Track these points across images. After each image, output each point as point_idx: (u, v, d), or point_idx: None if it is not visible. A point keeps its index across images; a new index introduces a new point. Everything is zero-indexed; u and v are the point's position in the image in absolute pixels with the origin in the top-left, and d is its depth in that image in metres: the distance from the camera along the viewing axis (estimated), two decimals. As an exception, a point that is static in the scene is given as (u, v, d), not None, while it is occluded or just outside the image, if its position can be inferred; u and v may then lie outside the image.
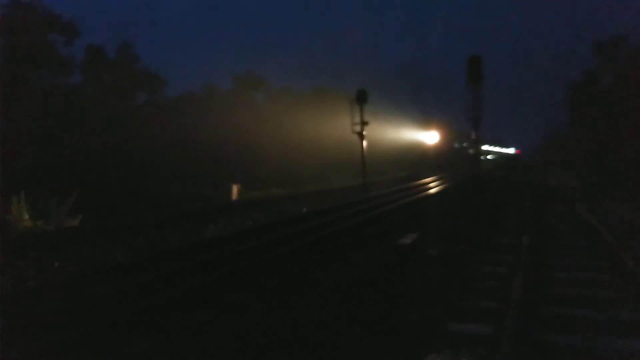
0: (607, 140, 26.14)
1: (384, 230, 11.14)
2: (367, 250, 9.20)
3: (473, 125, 19.64)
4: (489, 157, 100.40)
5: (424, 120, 49.00)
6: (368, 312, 5.50)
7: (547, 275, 6.71)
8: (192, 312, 5.55)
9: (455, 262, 7.83)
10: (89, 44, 27.28)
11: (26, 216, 14.22)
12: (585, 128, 31.13)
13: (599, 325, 4.81)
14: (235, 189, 21.58)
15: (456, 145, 69.20)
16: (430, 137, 46.36)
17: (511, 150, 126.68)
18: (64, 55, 24.45)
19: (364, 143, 22.89)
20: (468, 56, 19.53)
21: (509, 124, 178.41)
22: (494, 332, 4.58)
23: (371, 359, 4.37)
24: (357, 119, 22.58)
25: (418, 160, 48.65)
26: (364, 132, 22.60)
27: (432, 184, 27.96)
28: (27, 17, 23.22)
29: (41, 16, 23.69)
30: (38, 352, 4.38)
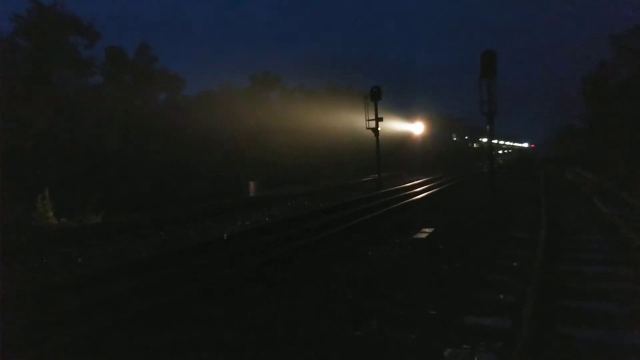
0: (624, 133, 25.92)
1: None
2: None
3: (487, 120, 19.67)
4: (504, 151, 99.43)
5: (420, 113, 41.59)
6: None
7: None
8: (209, 305, 5.83)
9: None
10: (109, 45, 27.97)
11: (50, 213, 14.78)
12: (601, 121, 30.85)
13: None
14: (252, 185, 21.99)
15: (455, 138, 62.49)
16: (416, 129, 36.85)
17: (525, 145, 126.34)
18: (85, 57, 25.16)
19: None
20: (482, 50, 19.55)
21: (524, 118, 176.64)
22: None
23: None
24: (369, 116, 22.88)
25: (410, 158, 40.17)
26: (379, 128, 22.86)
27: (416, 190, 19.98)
28: (49, 20, 23.93)
29: (63, 19, 24.39)
30: (66, 345, 4.69)
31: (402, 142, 40.55)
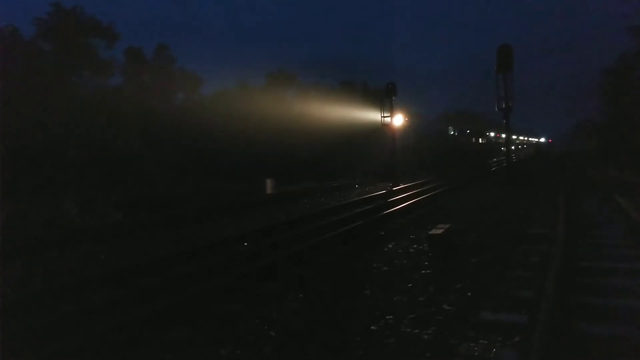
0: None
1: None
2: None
3: (504, 115, 19.56)
4: (517, 146, 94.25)
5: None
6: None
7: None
8: (227, 302, 6.00)
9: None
10: (128, 46, 28.47)
11: (74, 211, 15.21)
12: (622, 116, 30.37)
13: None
14: (269, 183, 22.19)
15: (453, 132, 48.22)
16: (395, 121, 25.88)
17: (543, 140, 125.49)
18: (105, 58, 25.66)
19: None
20: (499, 45, 19.43)
21: (542, 113, 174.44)
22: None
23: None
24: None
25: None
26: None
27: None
28: (69, 23, 24.45)
29: (83, 22, 24.91)
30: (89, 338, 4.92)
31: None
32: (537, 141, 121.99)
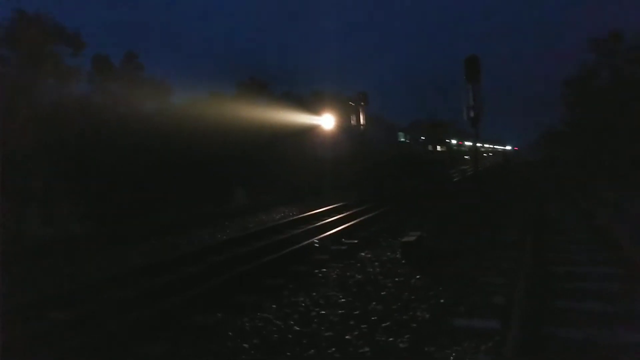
0: (605, 137, 26.52)
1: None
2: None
3: (472, 124, 20.01)
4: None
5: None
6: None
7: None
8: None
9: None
10: (95, 53, 27.88)
11: (37, 224, 14.74)
12: (581, 125, 31.54)
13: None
14: (240, 192, 22.06)
15: (403, 138, 40.02)
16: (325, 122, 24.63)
17: (509, 148, 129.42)
18: (71, 66, 25.02)
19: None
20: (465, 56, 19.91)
21: (508, 122, 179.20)
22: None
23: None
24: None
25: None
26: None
27: None
28: (32, 28, 23.76)
29: (47, 28, 24.25)
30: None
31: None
32: (503, 149, 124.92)
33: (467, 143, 77.88)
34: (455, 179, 34.10)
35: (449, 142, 63.64)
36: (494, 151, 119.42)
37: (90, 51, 27.57)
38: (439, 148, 56.14)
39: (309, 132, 21.29)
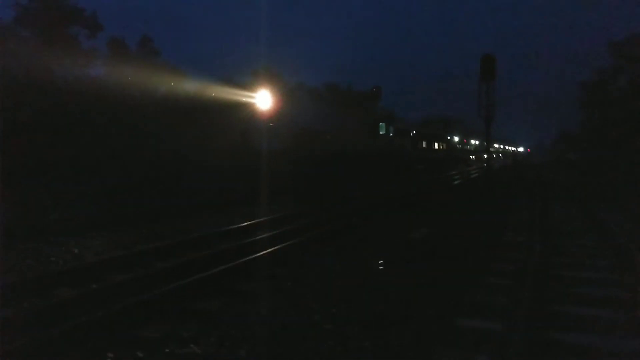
0: (621, 140, 26.14)
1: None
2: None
3: (485, 124, 19.89)
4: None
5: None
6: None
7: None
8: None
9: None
10: (111, 36, 27.94)
11: (44, 205, 14.84)
12: (597, 128, 31.09)
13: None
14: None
15: (383, 131, 31.07)
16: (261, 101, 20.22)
17: (521, 149, 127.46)
18: (87, 48, 25.18)
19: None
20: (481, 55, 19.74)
21: (522, 123, 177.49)
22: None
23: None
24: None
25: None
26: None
27: None
28: (51, 9, 23.91)
29: (65, 9, 24.39)
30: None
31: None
32: (513, 150, 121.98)
33: (473, 141, 71.52)
34: (455, 182, 29.06)
35: (451, 139, 53.62)
36: (504, 152, 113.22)
37: (107, 35, 27.63)
38: (437, 146, 45.63)
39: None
